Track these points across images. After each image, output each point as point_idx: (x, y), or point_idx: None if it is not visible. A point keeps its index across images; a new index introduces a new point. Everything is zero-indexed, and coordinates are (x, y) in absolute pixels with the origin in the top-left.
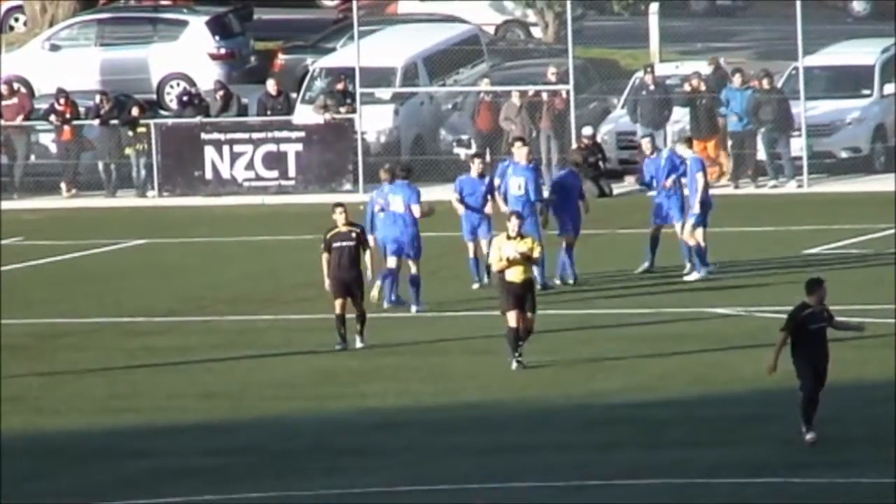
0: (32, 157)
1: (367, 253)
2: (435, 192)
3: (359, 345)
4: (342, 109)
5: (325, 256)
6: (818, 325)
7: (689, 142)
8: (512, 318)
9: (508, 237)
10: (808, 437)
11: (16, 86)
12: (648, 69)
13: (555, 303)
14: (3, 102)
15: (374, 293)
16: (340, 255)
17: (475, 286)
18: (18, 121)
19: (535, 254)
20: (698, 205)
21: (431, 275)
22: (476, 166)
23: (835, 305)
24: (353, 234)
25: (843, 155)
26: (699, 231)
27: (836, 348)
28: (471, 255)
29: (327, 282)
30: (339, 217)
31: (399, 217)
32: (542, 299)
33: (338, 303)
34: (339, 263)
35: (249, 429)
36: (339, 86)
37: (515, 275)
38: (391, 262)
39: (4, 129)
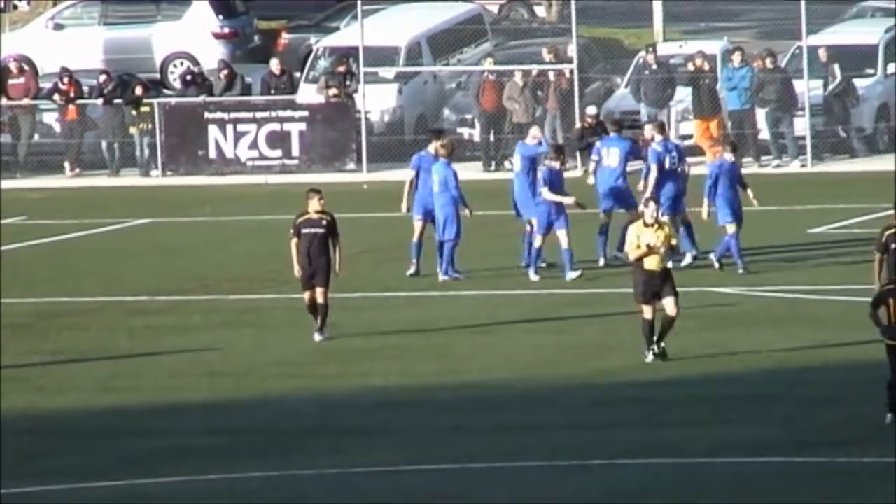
0: (36, 136)
1: (338, 244)
2: None
3: (318, 338)
4: (348, 84)
5: (293, 241)
6: None
7: (661, 127)
8: (648, 310)
9: (645, 224)
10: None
11: (24, 65)
12: (651, 49)
13: (559, 282)
14: (10, 81)
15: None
16: (310, 242)
17: (575, 274)
18: (24, 100)
19: (674, 241)
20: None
21: (434, 254)
22: (558, 160)
23: (837, 285)
24: (324, 222)
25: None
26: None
27: (837, 329)
28: (537, 245)
29: (297, 268)
30: (313, 202)
31: (611, 171)
32: (546, 279)
33: (306, 295)
34: (307, 251)
35: (252, 408)
36: (341, 68)
37: (653, 263)
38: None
39: (10, 108)
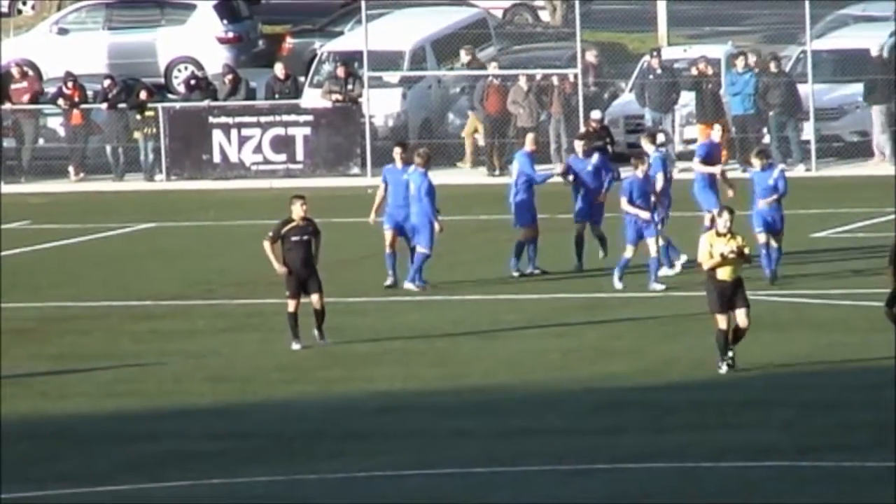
0: (41, 141)
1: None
2: (440, 177)
3: (321, 341)
4: (349, 87)
5: (271, 245)
6: None
7: (651, 137)
8: (722, 320)
9: (718, 234)
10: None
11: (27, 70)
12: (655, 53)
13: (561, 286)
14: (13, 86)
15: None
16: (299, 249)
17: (660, 287)
18: (27, 105)
19: (748, 250)
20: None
21: (437, 258)
22: (641, 167)
23: (840, 289)
24: (311, 228)
25: (852, 139)
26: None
27: (840, 332)
28: (627, 256)
29: (280, 268)
30: (299, 209)
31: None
32: (550, 284)
33: (293, 302)
34: (300, 259)
35: (256, 412)
36: (340, 72)
37: (726, 273)
38: None
39: (13, 112)
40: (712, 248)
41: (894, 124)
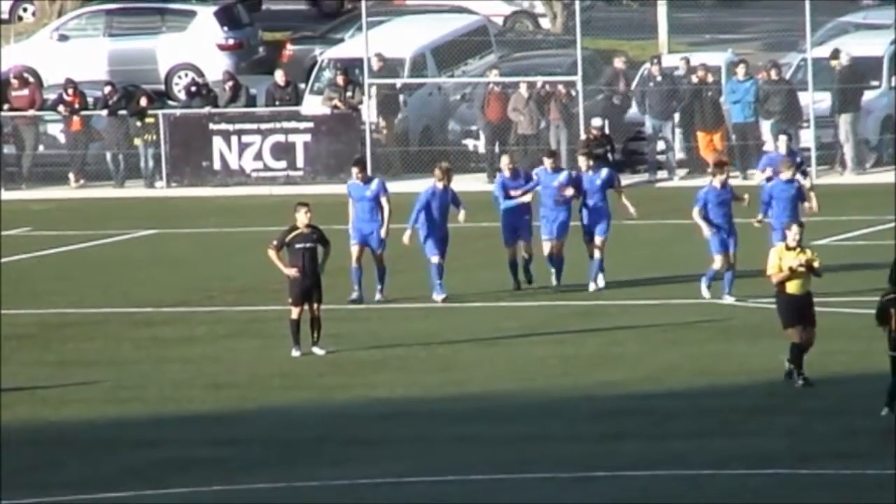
0: (41, 148)
1: (327, 250)
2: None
3: (320, 352)
4: (349, 94)
5: (276, 253)
6: None
7: (587, 155)
8: (795, 333)
9: (788, 247)
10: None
11: (26, 76)
12: (655, 60)
13: (563, 293)
14: (14, 93)
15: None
16: (303, 257)
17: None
18: (28, 111)
19: (817, 264)
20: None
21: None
22: (719, 177)
23: (841, 297)
24: (315, 236)
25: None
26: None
27: (841, 340)
28: (716, 267)
29: (293, 270)
30: (303, 217)
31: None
32: (549, 293)
33: (297, 309)
34: (304, 267)
35: (257, 419)
36: (340, 79)
37: (796, 287)
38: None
39: (13, 119)
40: (781, 261)
41: (892, 131)
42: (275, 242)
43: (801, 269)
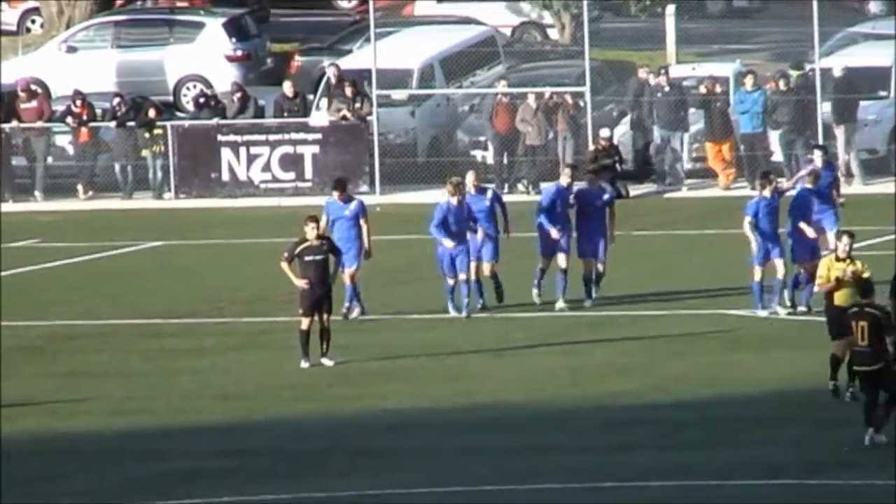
0: (49, 159)
1: (338, 260)
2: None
3: (329, 363)
4: (357, 105)
5: (288, 265)
6: None
7: (572, 168)
8: (835, 346)
9: (838, 258)
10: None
11: (34, 87)
12: (663, 71)
13: (569, 303)
14: (23, 105)
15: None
16: (315, 269)
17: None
18: (37, 123)
19: (867, 275)
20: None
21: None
22: (769, 187)
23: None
24: (325, 247)
25: (861, 156)
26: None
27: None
28: (757, 278)
29: (301, 281)
30: (311, 230)
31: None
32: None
33: (307, 320)
34: (315, 279)
35: (265, 430)
36: (349, 90)
37: (842, 298)
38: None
39: (23, 131)
40: (829, 271)
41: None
42: (286, 254)
43: (848, 279)
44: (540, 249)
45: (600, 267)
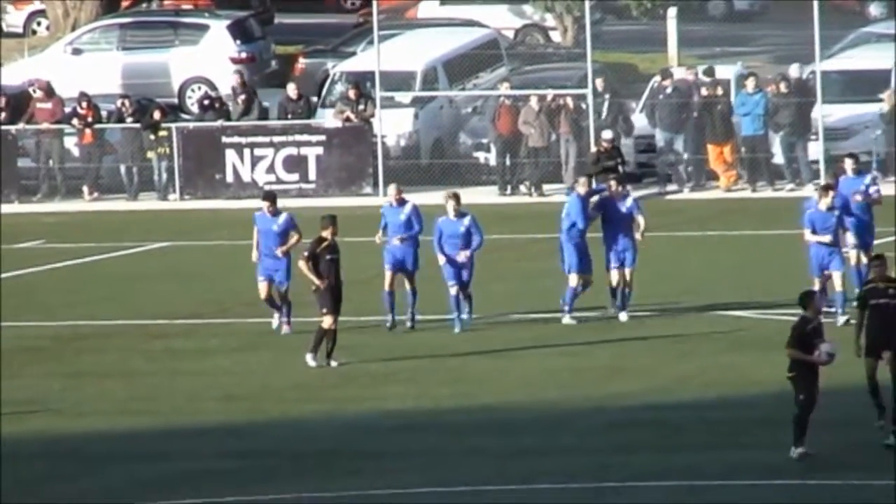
0: (52, 161)
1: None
2: None
3: (333, 364)
4: (361, 107)
5: (306, 264)
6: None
7: (588, 177)
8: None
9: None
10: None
11: (52, 90)
12: (666, 73)
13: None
14: (39, 105)
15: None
16: (334, 267)
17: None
18: (47, 125)
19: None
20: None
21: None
22: (828, 199)
23: (851, 309)
24: (338, 247)
25: (861, 159)
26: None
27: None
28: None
29: (323, 282)
30: (331, 230)
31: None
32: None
33: (330, 318)
34: (332, 277)
35: (269, 431)
36: (352, 93)
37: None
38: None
39: (35, 132)
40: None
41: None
42: (306, 254)
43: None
44: (577, 267)
45: (627, 273)
